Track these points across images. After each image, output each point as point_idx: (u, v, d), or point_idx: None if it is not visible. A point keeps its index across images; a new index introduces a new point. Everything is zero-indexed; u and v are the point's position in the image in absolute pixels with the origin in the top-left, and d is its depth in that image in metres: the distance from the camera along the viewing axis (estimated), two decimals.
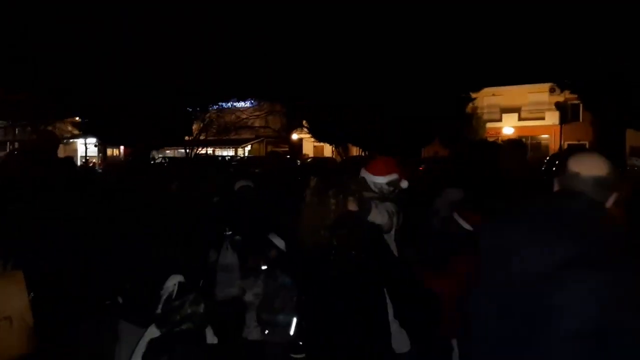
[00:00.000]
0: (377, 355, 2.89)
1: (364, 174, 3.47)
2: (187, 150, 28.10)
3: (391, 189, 3.42)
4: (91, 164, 28.26)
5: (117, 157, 30.23)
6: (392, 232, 3.25)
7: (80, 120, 22.06)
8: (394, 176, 3.44)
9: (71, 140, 37.49)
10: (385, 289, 3.01)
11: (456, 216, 3.85)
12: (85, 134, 28.29)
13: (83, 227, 3.34)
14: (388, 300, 3.03)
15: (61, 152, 18.77)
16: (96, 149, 34.60)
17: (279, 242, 3.75)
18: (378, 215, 2.97)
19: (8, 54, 13.84)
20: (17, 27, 13.55)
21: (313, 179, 3.07)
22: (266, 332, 3.50)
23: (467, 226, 3.73)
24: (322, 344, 2.93)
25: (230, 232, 3.36)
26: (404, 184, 3.46)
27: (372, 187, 3.39)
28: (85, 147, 34.33)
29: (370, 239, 2.91)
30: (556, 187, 1.96)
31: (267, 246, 3.80)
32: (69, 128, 34.25)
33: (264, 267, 3.77)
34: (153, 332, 2.28)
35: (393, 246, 3.19)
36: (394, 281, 3.06)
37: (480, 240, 2.02)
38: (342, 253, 2.85)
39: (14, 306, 2.75)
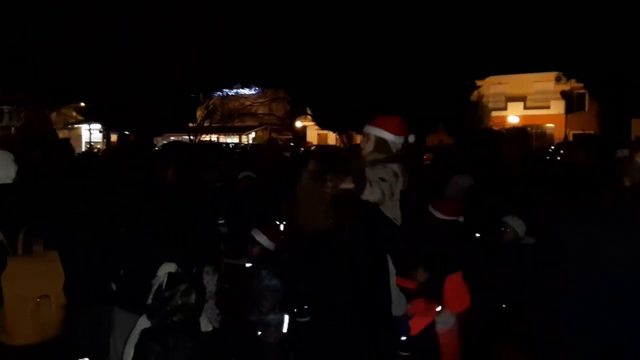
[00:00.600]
0: (375, 345, 2.93)
1: (382, 133, 3.30)
2: (191, 137, 28.06)
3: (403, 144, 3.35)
4: (95, 150, 28.21)
5: None
6: (397, 196, 3.19)
7: (84, 105, 22.02)
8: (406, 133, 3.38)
9: (75, 126, 37.44)
10: (389, 258, 3.06)
11: (431, 208, 3.88)
12: (88, 119, 28.25)
13: (82, 221, 3.33)
14: (391, 268, 3.09)
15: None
16: (101, 134, 34.50)
17: (263, 240, 3.72)
18: (371, 194, 2.96)
19: (8, 54, 13.79)
20: (17, 27, 13.50)
21: (312, 162, 3.09)
22: (259, 333, 3.52)
23: (440, 216, 3.79)
24: (321, 333, 2.97)
25: (222, 222, 3.34)
26: (412, 138, 3.39)
27: (391, 146, 3.28)
28: (90, 133, 34.25)
29: (369, 217, 2.95)
30: (627, 182, 2.21)
31: (249, 243, 3.75)
32: (74, 114, 34.14)
33: (247, 265, 3.75)
34: (145, 322, 2.29)
35: (397, 211, 3.15)
36: (398, 248, 3.11)
37: (559, 238, 2.22)
38: (339, 237, 2.88)
39: (52, 286, 2.78)
